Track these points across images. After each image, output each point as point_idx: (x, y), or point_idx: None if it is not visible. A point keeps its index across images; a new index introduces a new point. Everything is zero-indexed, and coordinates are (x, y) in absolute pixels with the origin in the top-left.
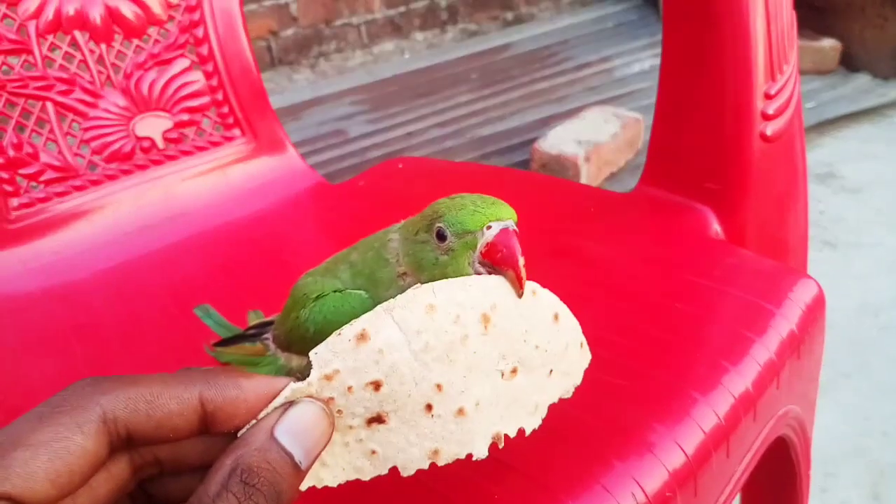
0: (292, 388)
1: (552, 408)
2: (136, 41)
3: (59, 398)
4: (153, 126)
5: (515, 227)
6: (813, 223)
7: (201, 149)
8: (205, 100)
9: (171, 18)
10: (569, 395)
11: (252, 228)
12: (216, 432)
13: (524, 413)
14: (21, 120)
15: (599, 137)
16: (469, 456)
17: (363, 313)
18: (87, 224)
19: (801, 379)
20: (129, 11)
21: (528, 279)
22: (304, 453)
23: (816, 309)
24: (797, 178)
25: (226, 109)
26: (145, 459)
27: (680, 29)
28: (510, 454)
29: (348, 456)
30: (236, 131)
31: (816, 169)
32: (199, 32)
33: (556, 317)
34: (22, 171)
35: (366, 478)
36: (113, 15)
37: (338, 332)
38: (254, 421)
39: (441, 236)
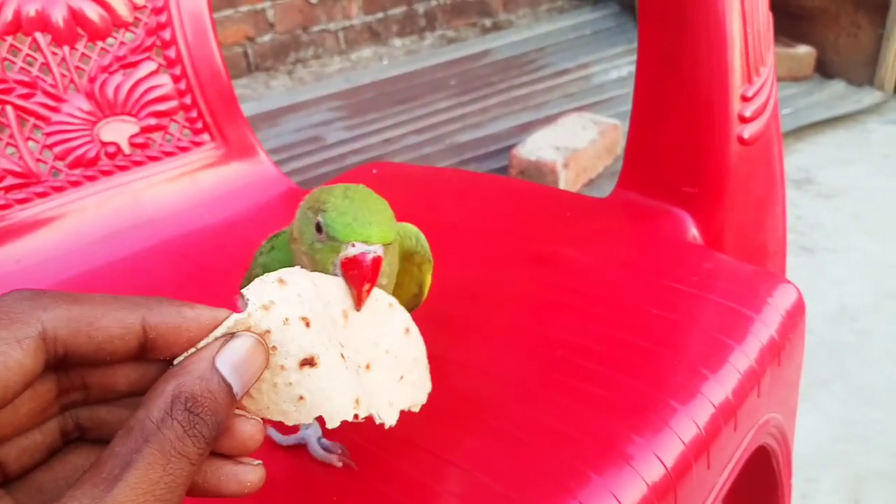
0: (234, 318)
1: (526, 418)
2: (100, 43)
3: None
4: (119, 131)
5: (379, 252)
6: (790, 229)
7: (169, 154)
8: (172, 104)
9: (137, 21)
10: (416, 408)
11: (222, 235)
12: (152, 358)
13: (383, 405)
14: None
15: (578, 144)
16: (378, 420)
17: None
18: (49, 232)
19: (782, 386)
20: (93, 13)
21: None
22: (241, 384)
23: (796, 314)
24: (775, 181)
25: (194, 114)
26: (73, 383)
27: (655, 31)
28: (482, 466)
29: (275, 397)
30: (205, 136)
31: (793, 175)
32: (167, 35)
33: (406, 331)
34: None
35: (289, 422)
36: (76, 16)
37: (259, 278)
38: (192, 349)
39: (318, 229)
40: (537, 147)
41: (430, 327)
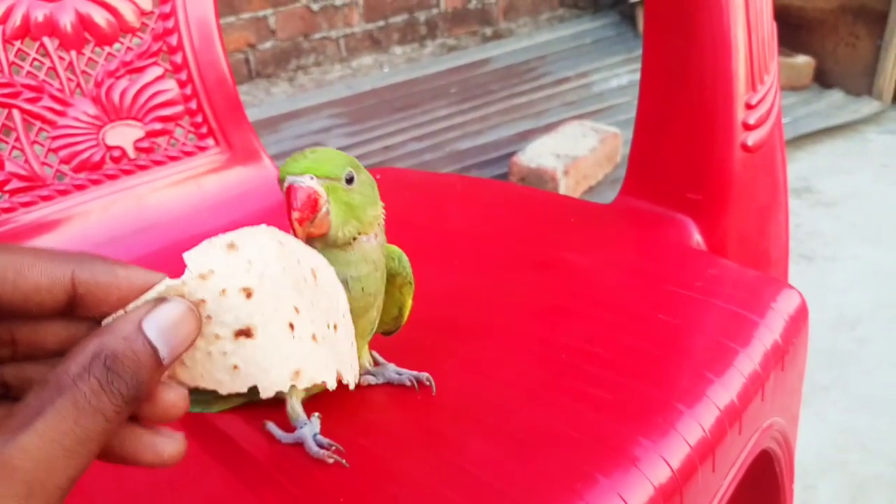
0: (167, 283)
1: (532, 420)
2: (107, 48)
3: None
4: (124, 135)
5: (308, 182)
6: (789, 237)
7: (174, 158)
8: (178, 109)
9: (144, 26)
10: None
11: None
12: (81, 315)
13: (346, 366)
14: None
15: (578, 151)
16: (324, 384)
17: None
18: (54, 235)
19: (786, 391)
20: (100, 18)
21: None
22: (169, 350)
23: (800, 319)
24: (778, 188)
25: (199, 119)
26: (1, 338)
27: (661, 38)
28: (488, 468)
29: (209, 365)
30: (210, 141)
31: (792, 183)
32: (173, 40)
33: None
34: None
35: (223, 391)
36: (84, 22)
37: (208, 240)
38: (122, 311)
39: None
40: (537, 154)
41: (437, 331)
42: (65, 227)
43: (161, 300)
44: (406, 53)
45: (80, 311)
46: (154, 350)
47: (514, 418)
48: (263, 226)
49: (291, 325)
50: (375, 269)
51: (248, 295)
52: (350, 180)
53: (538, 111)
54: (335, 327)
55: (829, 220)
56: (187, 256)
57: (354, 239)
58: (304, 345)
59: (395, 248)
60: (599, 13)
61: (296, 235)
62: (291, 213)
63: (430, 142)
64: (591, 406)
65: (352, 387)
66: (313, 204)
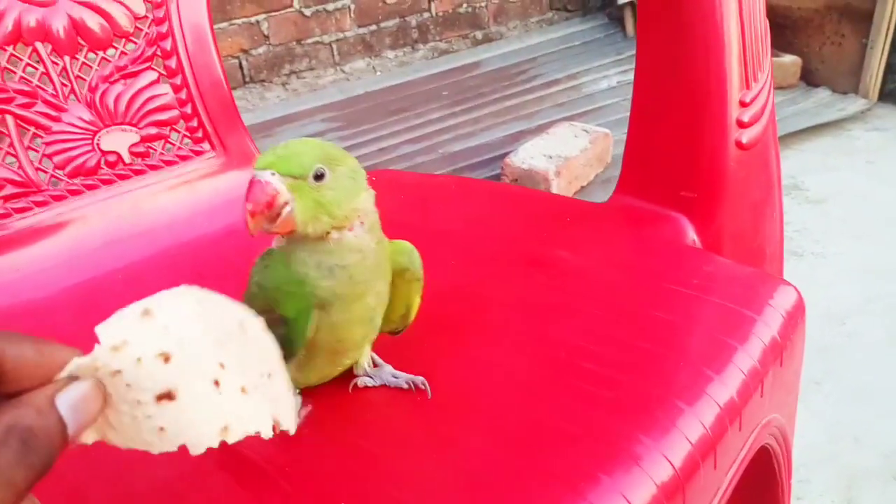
0: (76, 362)
1: (532, 420)
2: (101, 53)
3: None
4: (119, 140)
5: (267, 178)
6: None
7: (169, 163)
8: (173, 113)
9: (137, 31)
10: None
11: (222, 243)
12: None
13: (284, 412)
14: None
15: (569, 152)
16: (258, 434)
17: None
18: (49, 241)
19: (783, 387)
20: (93, 23)
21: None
22: (75, 425)
23: (797, 315)
24: (772, 185)
25: (194, 123)
26: None
27: (654, 36)
28: (490, 469)
29: (136, 429)
30: (205, 145)
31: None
32: (167, 45)
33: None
34: None
35: (155, 451)
36: (77, 27)
37: (120, 311)
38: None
39: None
40: (529, 156)
41: (434, 330)
42: (60, 232)
43: (73, 378)
44: (398, 57)
45: (2, 388)
46: (64, 425)
47: (513, 417)
48: (183, 286)
49: (217, 382)
50: (364, 257)
51: (166, 359)
52: (319, 177)
53: (529, 113)
54: (269, 375)
55: (817, 217)
56: (98, 330)
57: (328, 233)
58: (232, 399)
59: (406, 244)
60: (588, 16)
61: (247, 228)
62: (245, 206)
63: (424, 144)
64: (590, 404)
65: (291, 432)
66: (270, 202)
